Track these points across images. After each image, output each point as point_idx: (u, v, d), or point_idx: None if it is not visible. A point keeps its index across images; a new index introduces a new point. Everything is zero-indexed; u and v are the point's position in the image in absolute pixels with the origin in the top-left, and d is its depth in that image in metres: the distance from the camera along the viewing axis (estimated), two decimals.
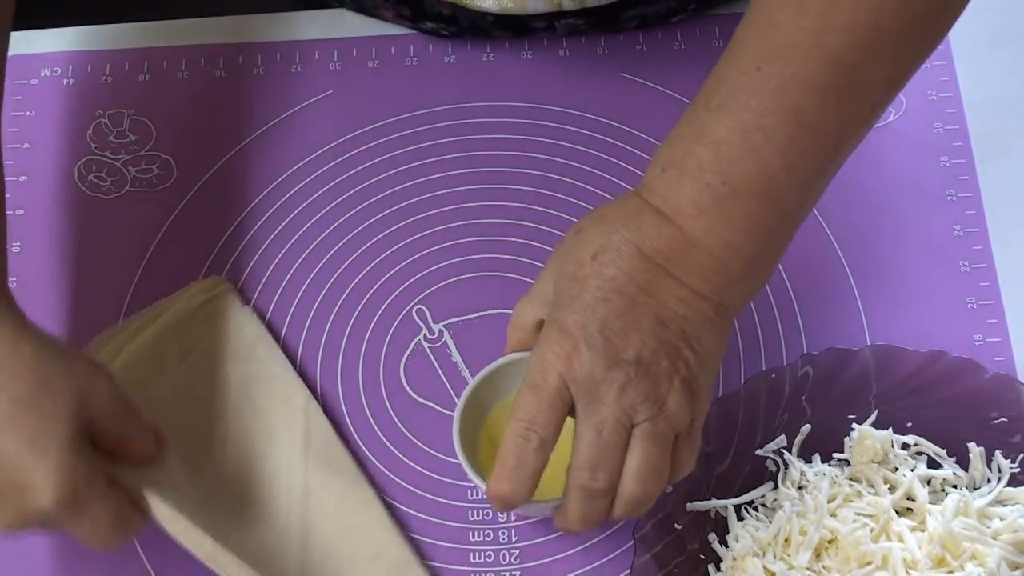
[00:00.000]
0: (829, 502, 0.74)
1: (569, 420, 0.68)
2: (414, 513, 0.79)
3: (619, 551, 0.78)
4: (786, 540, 0.74)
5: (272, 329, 0.84)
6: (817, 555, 0.73)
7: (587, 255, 0.68)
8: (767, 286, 0.85)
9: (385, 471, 0.80)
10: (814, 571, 0.73)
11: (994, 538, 0.72)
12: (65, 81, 0.93)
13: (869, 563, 0.72)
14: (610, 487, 0.68)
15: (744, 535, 0.74)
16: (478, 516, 0.79)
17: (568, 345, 0.67)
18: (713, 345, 0.69)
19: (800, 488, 0.76)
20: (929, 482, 0.75)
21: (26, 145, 0.90)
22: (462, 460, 0.73)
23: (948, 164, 0.89)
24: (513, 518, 0.79)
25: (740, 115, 0.66)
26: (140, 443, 0.70)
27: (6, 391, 0.66)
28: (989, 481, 0.76)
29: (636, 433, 0.67)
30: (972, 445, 0.76)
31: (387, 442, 0.81)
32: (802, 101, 0.66)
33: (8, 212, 0.87)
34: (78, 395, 0.67)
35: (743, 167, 0.66)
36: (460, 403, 0.75)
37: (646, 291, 0.67)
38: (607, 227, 0.68)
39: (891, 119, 0.90)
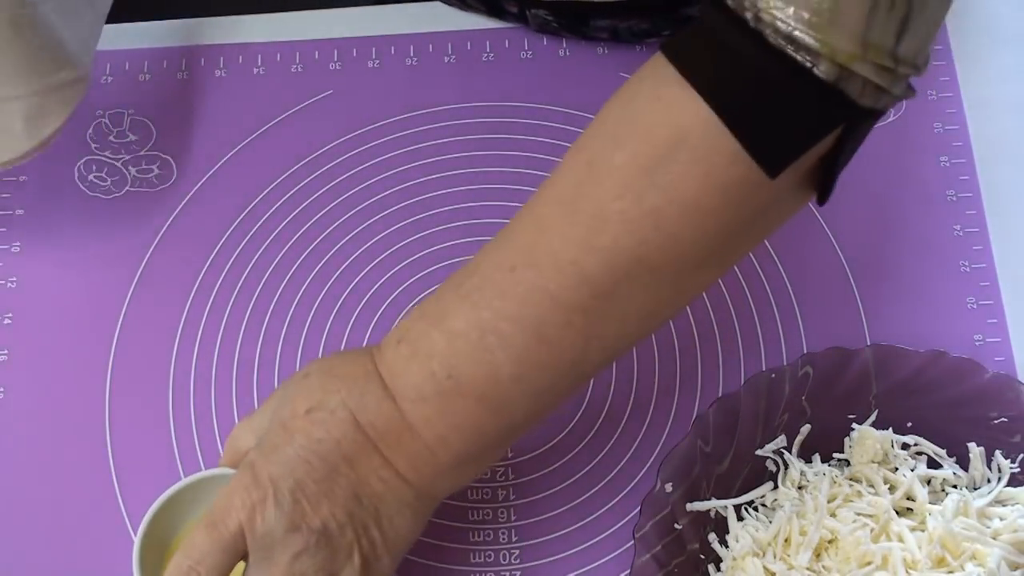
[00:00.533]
0: (829, 502, 0.74)
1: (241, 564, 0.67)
2: None
3: (619, 551, 0.78)
4: (786, 540, 0.74)
5: (272, 330, 0.84)
6: (817, 555, 0.73)
7: (302, 407, 0.67)
8: (767, 286, 0.85)
9: None
10: (814, 571, 0.73)
11: (994, 538, 0.72)
12: None
13: (869, 563, 0.72)
14: None
15: (744, 535, 0.74)
16: (478, 516, 0.79)
17: (257, 495, 0.65)
18: (405, 530, 0.68)
19: (800, 488, 0.76)
20: (929, 482, 0.75)
21: None
22: None
23: (948, 164, 0.89)
24: (514, 518, 0.79)
25: (482, 312, 0.64)
26: None
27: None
28: (989, 481, 0.76)
29: None
30: (972, 445, 0.76)
31: None
32: (546, 315, 0.63)
33: (8, 212, 0.88)
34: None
35: (472, 367, 0.64)
36: (142, 526, 0.71)
37: (349, 462, 0.66)
38: (332, 384, 0.67)
39: (891, 119, 0.90)
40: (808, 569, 0.72)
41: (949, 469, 0.76)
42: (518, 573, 0.78)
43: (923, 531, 0.73)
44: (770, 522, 0.74)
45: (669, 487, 0.74)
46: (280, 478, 0.65)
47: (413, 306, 0.70)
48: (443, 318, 0.65)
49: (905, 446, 0.77)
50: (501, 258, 0.65)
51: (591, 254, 0.62)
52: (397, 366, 0.66)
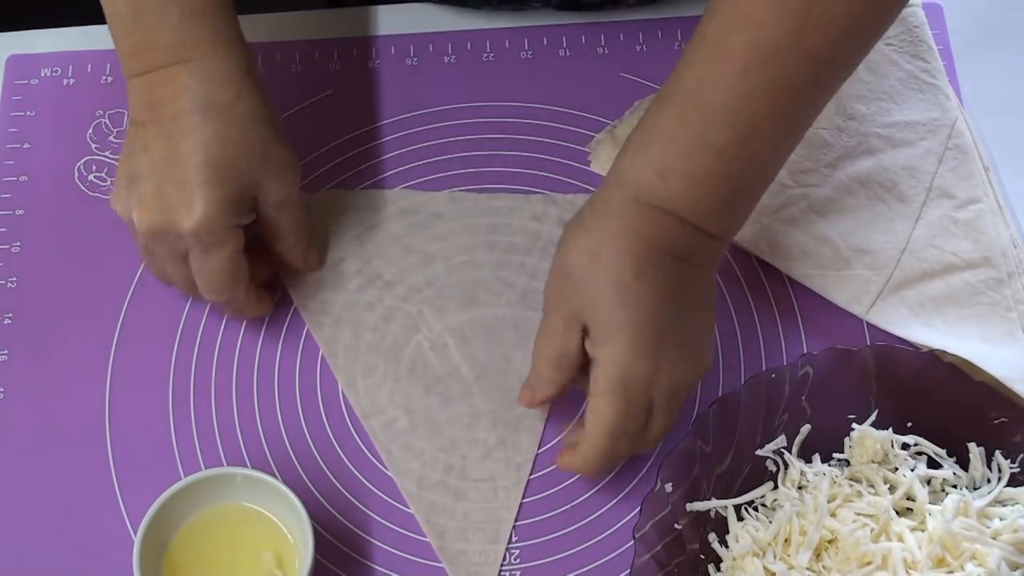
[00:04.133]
0: (829, 502, 0.74)
1: None
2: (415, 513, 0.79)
3: (619, 551, 0.78)
4: (786, 540, 0.74)
5: (272, 330, 0.84)
6: (817, 555, 0.73)
7: (628, 277, 0.72)
8: (767, 286, 0.85)
9: (383, 469, 0.80)
10: (814, 571, 0.73)
11: (994, 538, 0.72)
12: (65, 81, 0.93)
13: (869, 563, 0.72)
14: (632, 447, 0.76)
15: (744, 535, 0.74)
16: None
17: (648, 364, 0.72)
18: (713, 297, 0.77)
19: (800, 488, 0.76)
20: (929, 482, 0.75)
21: (26, 145, 0.90)
22: None
23: None
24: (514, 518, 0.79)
25: (737, 123, 0.70)
26: (288, 252, 0.83)
27: (221, 118, 0.76)
28: (989, 481, 0.76)
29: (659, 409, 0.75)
30: (972, 445, 0.76)
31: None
32: (790, 104, 0.70)
33: (8, 212, 0.88)
34: (254, 176, 0.78)
35: (748, 173, 0.72)
36: (142, 526, 0.73)
37: (684, 288, 0.73)
38: (633, 242, 0.72)
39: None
40: (808, 569, 0.72)
41: (949, 469, 0.76)
42: (518, 573, 0.78)
43: (923, 531, 0.73)
44: (770, 522, 0.74)
45: (669, 487, 0.74)
46: (656, 340, 0.72)
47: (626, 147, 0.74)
48: (701, 141, 0.70)
49: (905, 446, 0.77)
50: (730, 66, 0.69)
51: (811, 32, 0.67)
52: (676, 199, 0.72)
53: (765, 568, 0.73)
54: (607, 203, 0.73)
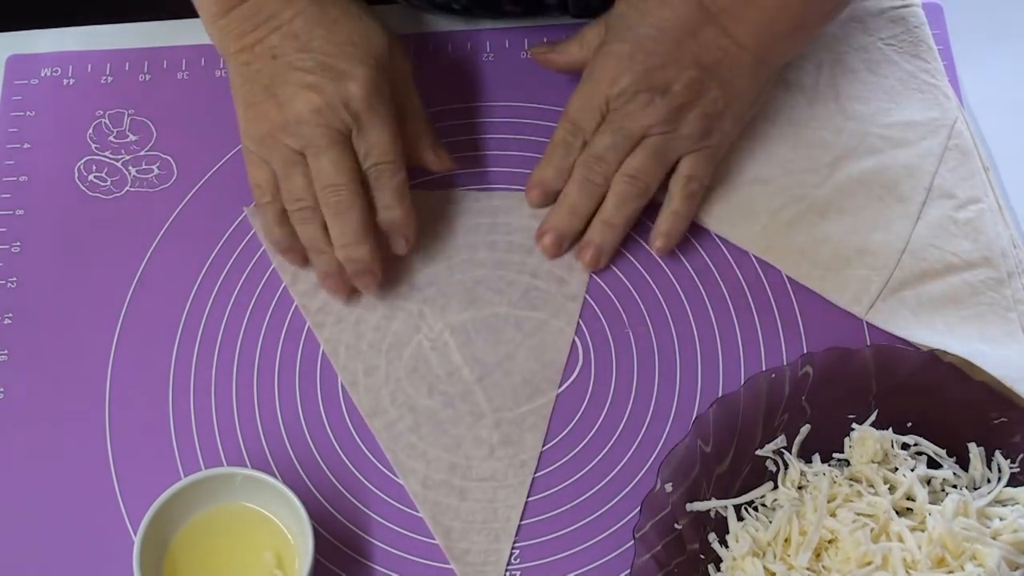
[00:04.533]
0: (829, 502, 0.74)
1: None
2: (416, 513, 0.79)
3: (619, 551, 0.78)
4: (786, 540, 0.74)
5: (273, 330, 0.84)
6: (817, 555, 0.73)
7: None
8: (767, 286, 0.85)
9: (383, 470, 0.80)
10: (814, 571, 0.73)
11: (994, 538, 0.72)
12: (65, 81, 0.93)
13: (869, 563, 0.72)
14: (604, 184, 0.83)
15: (744, 535, 0.74)
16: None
17: (614, 69, 0.81)
18: (744, 90, 0.82)
19: (800, 488, 0.76)
20: (929, 482, 0.75)
21: (26, 145, 0.90)
22: None
23: None
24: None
25: None
26: (421, 139, 0.85)
27: (343, 5, 0.81)
28: (989, 481, 0.76)
29: (644, 143, 0.82)
30: (972, 445, 0.76)
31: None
32: None
33: (8, 212, 0.88)
34: (383, 47, 0.81)
35: None
36: (142, 526, 0.73)
37: (692, 36, 0.80)
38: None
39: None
40: (808, 569, 0.72)
41: (949, 469, 0.76)
42: (518, 573, 0.78)
43: (923, 531, 0.73)
44: (770, 522, 0.74)
45: (669, 487, 0.74)
46: (633, 52, 0.80)
47: None
48: None
49: (905, 446, 0.77)
50: None
51: None
52: None
53: (765, 568, 0.73)
54: None
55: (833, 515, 0.74)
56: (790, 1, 0.79)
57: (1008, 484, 0.75)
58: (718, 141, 0.83)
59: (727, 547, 0.75)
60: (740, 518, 0.76)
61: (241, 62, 0.81)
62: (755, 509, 0.76)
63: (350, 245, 0.80)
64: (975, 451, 0.76)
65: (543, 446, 0.81)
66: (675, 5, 0.80)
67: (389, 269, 0.85)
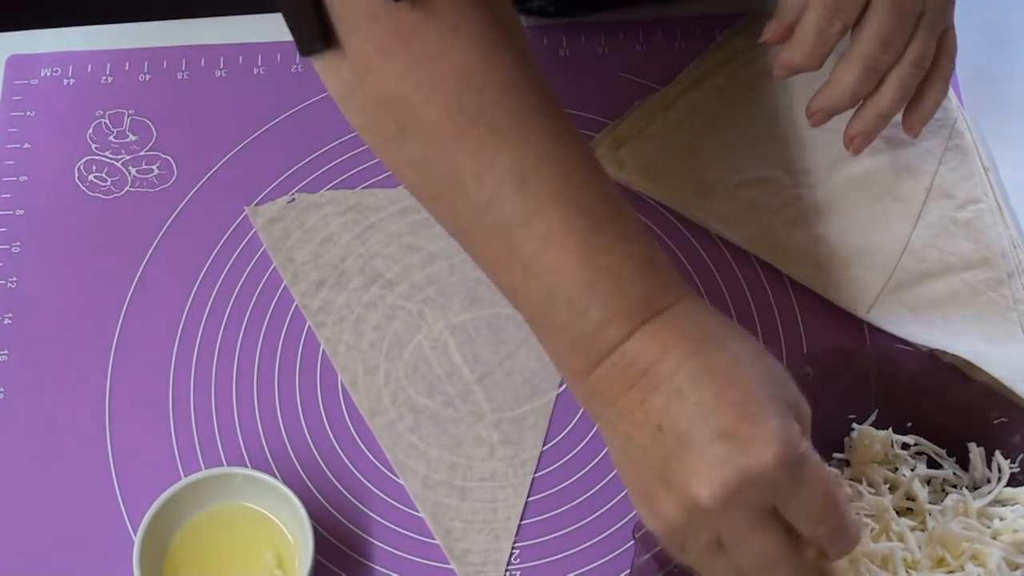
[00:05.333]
0: None
1: None
2: (416, 513, 0.79)
3: (619, 551, 0.78)
4: None
5: (273, 329, 0.84)
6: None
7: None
8: (767, 286, 0.85)
9: (383, 470, 0.80)
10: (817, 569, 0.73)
11: (994, 538, 0.72)
12: (65, 81, 0.93)
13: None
14: (890, 67, 0.75)
15: None
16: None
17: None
18: None
19: None
20: (929, 482, 0.75)
21: (26, 145, 0.90)
22: None
23: None
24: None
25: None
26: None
27: (728, 347, 0.62)
28: (989, 481, 0.76)
29: (923, 22, 0.74)
30: (972, 445, 0.76)
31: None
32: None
33: (8, 212, 0.88)
34: (785, 381, 0.63)
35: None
36: (142, 526, 0.73)
37: None
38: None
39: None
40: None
41: (949, 469, 0.76)
42: (518, 573, 0.78)
43: (923, 531, 0.73)
44: None
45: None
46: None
47: None
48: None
49: (905, 446, 0.77)
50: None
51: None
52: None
53: None
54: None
55: None
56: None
57: (1008, 484, 0.75)
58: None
59: None
60: None
61: (622, 435, 0.64)
62: None
63: None
64: (975, 451, 0.76)
65: (543, 446, 0.81)
66: None
67: (389, 269, 0.85)
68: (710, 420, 0.60)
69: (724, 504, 0.60)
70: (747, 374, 0.61)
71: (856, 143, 0.79)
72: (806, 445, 0.61)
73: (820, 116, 0.78)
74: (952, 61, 0.79)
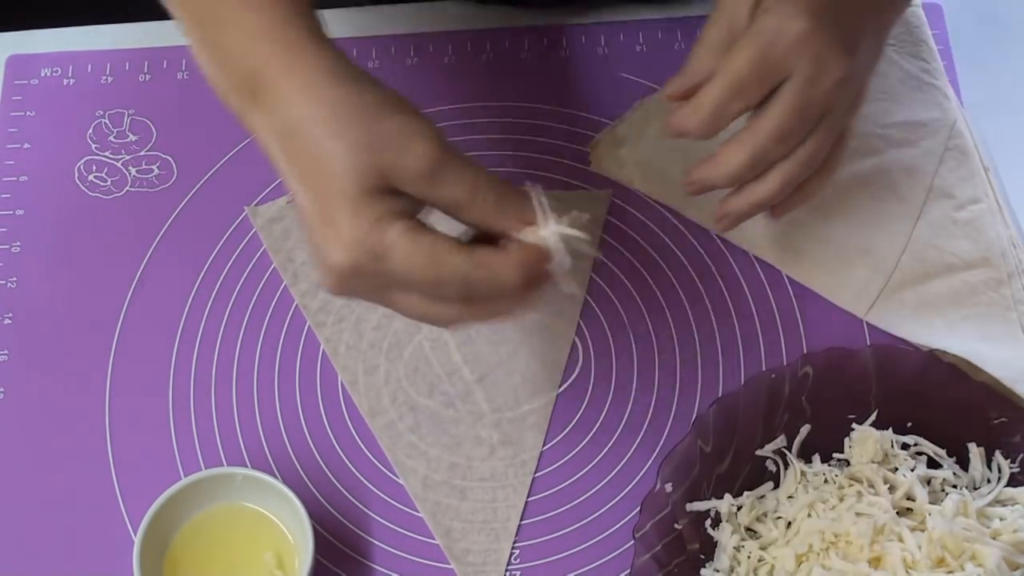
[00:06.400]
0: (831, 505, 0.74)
1: None
2: (416, 513, 0.79)
3: (619, 551, 0.78)
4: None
5: (273, 329, 0.84)
6: (817, 555, 0.73)
7: None
8: (767, 286, 0.85)
9: (383, 470, 0.81)
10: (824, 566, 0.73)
11: (994, 538, 0.72)
12: (65, 81, 0.93)
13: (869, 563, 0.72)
14: (780, 159, 0.71)
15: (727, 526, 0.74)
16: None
17: (808, 22, 0.67)
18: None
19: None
20: (929, 482, 0.75)
21: (26, 145, 0.91)
22: None
23: None
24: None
25: None
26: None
27: (301, 137, 0.65)
28: (989, 481, 0.76)
29: (824, 123, 0.70)
30: (972, 445, 0.76)
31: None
32: None
33: (8, 212, 0.88)
34: (373, 158, 0.63)
35: None
36: (142, 526, 0.73)
37: (858, 24, 0.69)
38: None
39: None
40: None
41: (949, 469, 0.76)
42: (518, 573, 0.78)
43: (923, 531, 0.73)
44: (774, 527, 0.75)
45: (669, 487, 0.74)
46: (830, 4, 0.68)
47: None
48: None
49: (905, 446, 0.77)
50: None
51: None
52: None
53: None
54: None
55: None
56: None
57: (1008, 484, 0.75)
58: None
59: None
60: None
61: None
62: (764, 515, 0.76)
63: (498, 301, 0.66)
64: (975, 451, 0.76)
65: (543, 446, 0.81)
66: None
67: None
68: (306, 216, 0.64)
69: (354, 274, 0.63)
70: (325, 161, 0.63)
71: (722, 224, 0.76)
72: (388, 214, 0.62)
73: (694, 188, 0.74)
74: (841, 161, 0.75)
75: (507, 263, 0.63)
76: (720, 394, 0.80)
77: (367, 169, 0.63)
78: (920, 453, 0.77)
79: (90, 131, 0.91)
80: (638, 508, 0.74)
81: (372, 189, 0.63)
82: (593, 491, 0.80)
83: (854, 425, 0.77)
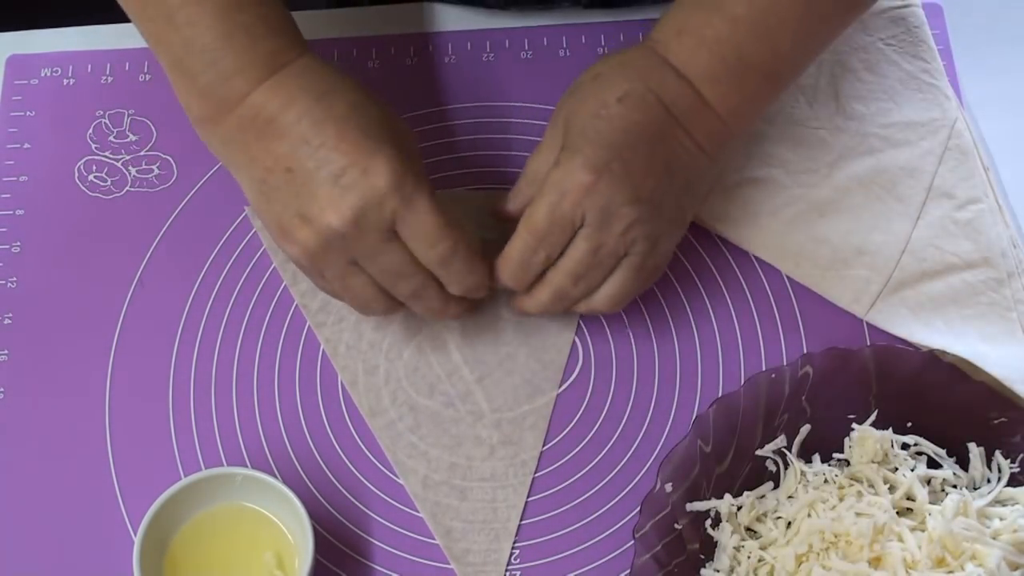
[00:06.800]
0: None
1: None
2: (416, 513, 0.79)
3: (619, 551, 0.78)
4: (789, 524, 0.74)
5: (273, 329, 0.84)
6: (817, 555, 0.73)
7: (612, 97, 0.74)
8: (767, 286, 0.85)
9: (383, 470, 0.81)
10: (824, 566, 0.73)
11: (994, 538, 0.72)
12: (65, 81, 0.93)
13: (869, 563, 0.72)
14: (581, 299, 0.77)
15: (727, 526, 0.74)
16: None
17: (590, 176, 0.73)
18: (702, 194, 0.80)
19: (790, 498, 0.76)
20: (929, 482, 0.75)
21: (26, 145, 0.90)
22: None
23: None
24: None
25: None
26: None
27: (343, 96, 0.73)
28: (989, 481, 0.76)
29: (624, 263, 0.76)
30: (972, 445, 0.76)
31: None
32: None
33: (8, 212, 0.88)
34: (396, 124, 0.75)
35: (757, 47, 0.74)
36: (142, 526, 0.73)
37: (662, 139, 0.74)
38: (631, 74, 0.75)
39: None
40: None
41: (949, 469, 0.76)
42: (518, 573, 0.78)
43: (923, 531, 0.73)
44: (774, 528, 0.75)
45: (669, 487, 0.74)
46: (609, 159, 0.73)
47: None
48: (720, 8, 0.74)
49: (905, 446, 0.77)
50: None
51: None
52: (687, 55, 0.75)
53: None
54: (628, 52, 0.77)
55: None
56: (740, 108, 0.76)
57: (1008, 484, 0.75)
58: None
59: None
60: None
61: (257, 180, 0.74)
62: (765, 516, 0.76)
63: (438, 312, 0.78)
64: (975, 451, 0.76)
65: (543, 446, 0.81)
66: (642, 108, 0.74)
67: None
68: (333, 158, 0.71)
69: (352, 225, 0.71)
70: (362, 118, 0.73)
71: (517, 311, 0.81)
72: (416, 180, 0.72)
73: (516, 314, 0.82)
74: (646, 285, 0.79)
75: (484, 269, 0.76)
76: (720, 394, 0.80)
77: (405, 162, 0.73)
78: (920, 453, 0.77)
79: (90, 131, 0.91)
80: (638, 508, 0.74)
81: (397, 140, 0.73)
82: (593, 491, 0.80)
83: (854, 425, 0.77)
